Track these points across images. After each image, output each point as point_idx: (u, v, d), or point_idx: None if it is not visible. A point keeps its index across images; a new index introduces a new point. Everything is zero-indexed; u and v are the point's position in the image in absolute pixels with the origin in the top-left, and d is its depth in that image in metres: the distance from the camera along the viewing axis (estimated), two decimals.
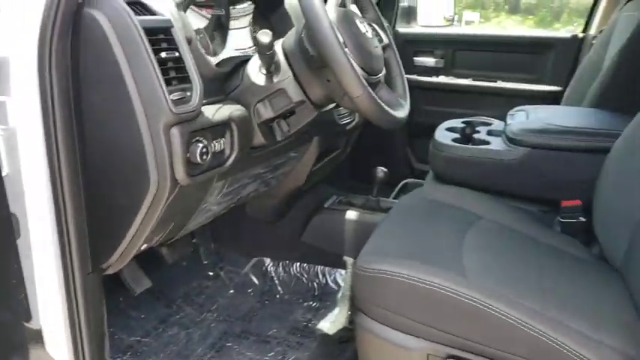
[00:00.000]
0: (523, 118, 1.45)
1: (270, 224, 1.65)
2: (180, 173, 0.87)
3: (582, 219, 1.28)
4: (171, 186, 0.87)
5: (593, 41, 1.99)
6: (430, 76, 2.35)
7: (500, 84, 2.24)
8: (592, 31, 2.08)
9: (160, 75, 0.82)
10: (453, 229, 1.12)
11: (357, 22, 1.03)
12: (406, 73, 2.36)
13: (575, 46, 2.12)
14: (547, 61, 2.18)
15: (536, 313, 0.84)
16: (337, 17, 0.99)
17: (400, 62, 1.23)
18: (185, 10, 0.99)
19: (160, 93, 0.82)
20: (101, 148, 0.87)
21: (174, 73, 0.86)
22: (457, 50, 2.31)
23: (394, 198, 1.94)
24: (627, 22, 1.63)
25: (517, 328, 0.82)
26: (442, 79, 2.33)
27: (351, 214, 1.59)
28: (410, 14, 2.42)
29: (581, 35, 2.12)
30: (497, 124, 1.62)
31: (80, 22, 0.81)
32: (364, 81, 0.92)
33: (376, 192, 1.61)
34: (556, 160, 1.31)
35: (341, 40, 0.91)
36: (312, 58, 0.97)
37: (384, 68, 1.12)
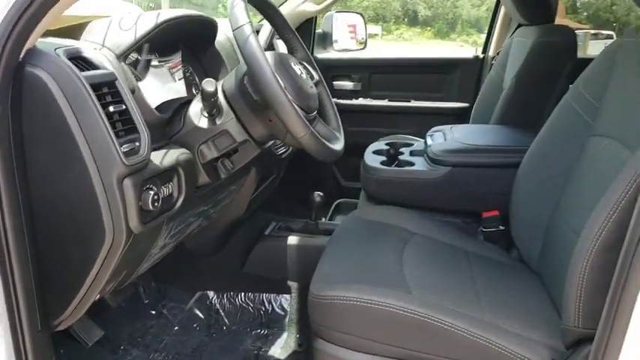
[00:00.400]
0: (441, 139, 1.59)
1: (211, 257, 1.65)
2: (135, 222, 0.87)
3: (501, 227, 1.43)
4: (127, 236, 0.88)
5: (492, 62, 2.22)
6: (350, 99, 2.47)
7: (414, 103, 2.41)
8: (490, 52, 2.32)
9: (109, 129, 0.83)
10: (391, 247, 1.21)
11: (292, 64, 1.10)
12: None
13: (477, 66, 2.35)
14: (454, 80, 2.39)
15: (476, 320, 0.94)
16: (274, 62, 1.05)
17: (330, 96, 1.32)
18: (125, 61, 1.00)
19: (111, 146, 0.83)
20: (51, 204, 0.86)
21: (121, 125, 0.87)
22: (373, 73, 2.46)
23: (330, 218, 2.02)
24: (519, 46, 1.85)
25: (461, 335, 0.92)
26: (361, 101, 2.47)
27: (292, 240, 1.65)
28: (326, 40, 2.54)
29: (481, 56, 2.35)
30: (417, 145, 1.76)
31: (22, 82, 0.80)
32: (306, 121, 0.98)
33: (315, 216, 1.68)
34: (474, 176, 1.46)
35: (282, 85, 0.97)
36: (255, 102, 1.02)
37: (318, 104, 1.20)
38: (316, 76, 1.27)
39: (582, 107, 1.18)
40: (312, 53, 2.43)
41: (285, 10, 2.22)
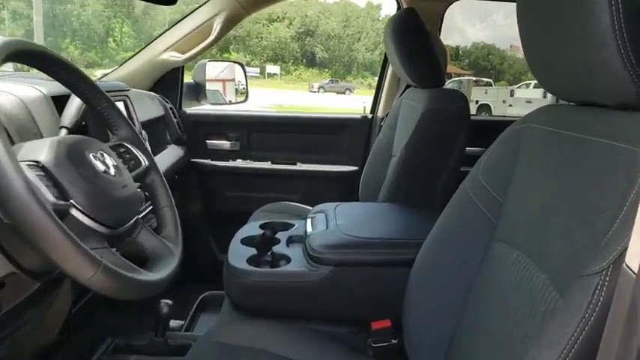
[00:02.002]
0: (322, 226, 1.30)
1: None
2: None
3: (393, 341, 1.16)
4: None
5: (382, 123, 2.02)
6: (227, 160, 2.14)
7: (300, 166, 2.14)
8: (379, 113, 2.13)
9: None
10: None
11: (91, 158, 0.75)
12: (200, 158, 2.16)
13: (365, 127, 2.14)
14: (342, 141, 2.16)
15: None
16: (57, 159, 0.69)
17: (166, 186, 0.97)
18: None
19: None
20: None
21: None
22: (253, 132, 2.16)
23: (193, 313, 1.64)
24: (409, 110, 1.65)
25: None
26: (239, 163, 2.15)
27: None
28: (198, 91, 2.20)
29: (369, 116, 2.15)
30: (298, 227, 1.46)
31: None
32: (96, 256, 0.63)
33: (162, 331, 1.30)
34: (361, 276, 1.18)
35: (42, 198, 0.61)
36: (11, 227, 0.65)
37: (141, 204, 0.85)
38: (145, 161, 0.92)
39: (484, 202, 0.95)
40: (179, 108, 2.08)
41: (143, 58, 1.86)
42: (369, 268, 1.18)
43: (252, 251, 1.29)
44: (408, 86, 1.96)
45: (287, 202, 1.95)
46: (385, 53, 2.08)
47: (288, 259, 1.25)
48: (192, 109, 2.15)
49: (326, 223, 1.31)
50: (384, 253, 1.18)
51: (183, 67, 2.01)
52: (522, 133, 0.93)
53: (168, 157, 1.82)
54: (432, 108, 1.49)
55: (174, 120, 1.97)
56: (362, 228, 1.25)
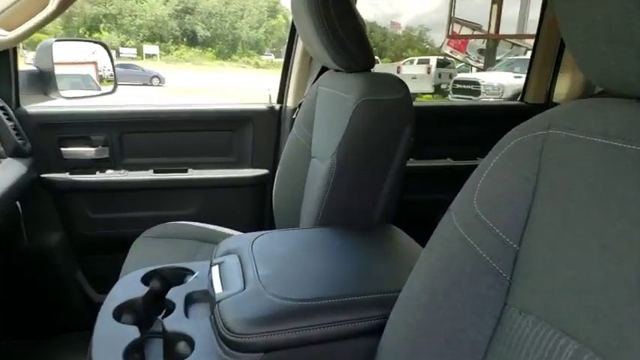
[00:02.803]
0: (236, 279, 0.88)
1: None
2: None
3: None
4: None
5: (294, 117, 1.63)
6: (92, 173, 1.62)
7: (193, 174, 1.68)
8: (289, 103, 1.72)
9: None
10: None
11: None
12: (53, 172, 1.59)
13: (273, 121, 1.73)
14: (246, 139, 1.73)
15: None
16: None
17: None
18: None
19: None
20: None
21: None
22: (126, 133, 1.65)
23: None
24: (332, 102, 1.28)
25: None
26: (110, 175, 1.63)
27: None
28: (45, 82, 1.63)
29: (277, 107, 1.74)
30: (200, 275, 1.02)
31: None
32: None
33: None
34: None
35: None
36: None
37: None
38: None
39: (487, 249, 0.60)
40: (16, 106, 1.51)
41: None
42: (319, 346, 0.79)
43: (132, 332, 0.84)
44: (323, 69, 1.59)
45: (180, 222, 1.50)
46: (292, 29, 1.68)
47: (190, 343, 0.82)
48: (37, 106, 1.58)
49: (242, 276, 0.89)
50: (340, 323, 0.80)
51: (15, 49, 1.44)
52: (546, 143, 0.60)
53: (1, 177, 1.28)
54: (368, 99, 1.12)
55: (9, 124, 1.40)
56: (299, 282, 0.86)
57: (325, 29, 1.14)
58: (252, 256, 0.94)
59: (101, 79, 1.98)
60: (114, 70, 1.85)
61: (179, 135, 1.68)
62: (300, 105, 1.58)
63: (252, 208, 1.75)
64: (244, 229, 1.54)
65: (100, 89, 1.80)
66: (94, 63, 1.90)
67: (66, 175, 1.59)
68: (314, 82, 1.58)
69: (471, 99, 10.54)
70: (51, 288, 1.62)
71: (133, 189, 1.63)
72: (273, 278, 0.85)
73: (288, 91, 1.69)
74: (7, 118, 1.42)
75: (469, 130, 1.93)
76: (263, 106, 1.72)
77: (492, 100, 8.89)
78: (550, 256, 0.51)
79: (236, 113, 1.70)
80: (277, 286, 0.83)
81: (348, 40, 1.17)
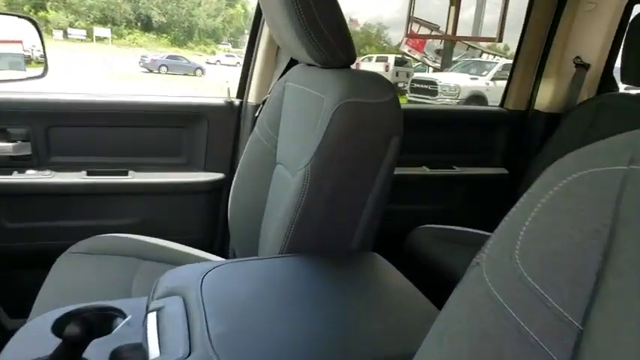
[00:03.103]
0: (179, 337, 0.66)
1: None
2: None
3: None
4: None
5: (256, 115, 1.42)
6: (8, 173, 1.34)
7: (134, 177, 1.43)
8: (251, 99, 1.50)
9: None
10: None
11: None
12: None
13: (232, 118, 1.51)
14: (199, 138, 1.50)
15: None
16: None
17: None
18: None
19: None
20: None
21: None
22: (54, 126, 1.38)
23: None
24: (302, 98, 1.07)
25: None
26: (31, 176, 1.36)
27: None
28: None
29: (237, 102, 1.52)
30: (132, 321, 0.79)
31: None
32: None
33: None
34: None
35: None
36: None
37: None
38: None
39: (542, 333, 0.42)
40: None
41: None
42: None
43: None
44: (293, 62, 1.38)
45: (116, 235, 1.26)
46: (257, 12, 1.45)
47: None
48: None
49: (186, 333, 0.67)
50: None
51: None
52: (628, 183, 0.41)
53: None
54: (351, 101, 0.92)
55: None
56: (264, 346, 0.65)
57: (300, 15, 0.93)
58: (201, 301, 0.72)
59: (29, 60, 1.69)
60: (44, 51, 1.57)
61: (119, 131, 1.43)
62: (264, 102, 1.37)
63: (204, 220, 1.52)
64: (193, 244, 1.32)
65: (20, 73, 1.51)
66: (20, 42, 1.60)
67: None
68: (281, 76, 1.37)
69: (428, 99, 10.55)
70: None
71: (61, 194, 1.37)
72: (229, 339, 0.64)
73: (250, 84, 1.47)
74: None
75: (446, 135, 1.77)
76: (220, 101, 1.49)
77: (453, 103, 8.90)
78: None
79: (187, 108, 1.46)
80: (235, 352, 0.62)
81: (326, 30, 0.96)
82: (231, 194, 1.27)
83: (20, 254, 1.39)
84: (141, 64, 17.96)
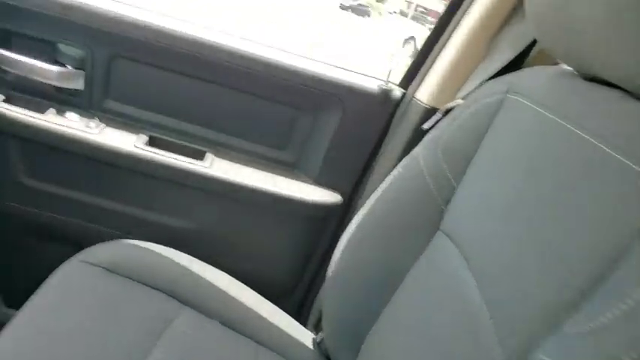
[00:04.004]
0: None
1: None
2: None
3: None
4: None
5: (427, 126, 0.84)
6: (38, 110, 0.91)
7: (212, 167, 0.94)
8: (421, 95, 0.90)
9: None
10: None
11: None
12: None
13: (383, 112, 0.94)
14: (320, 130, 0.96)
15: None
16: None
17: None
18: None
19: None
20: None
21: None
22: (123, 57, 0.91)
23: None
24: (543, 130, 0.48)
25: None
26: (74, 124, 0.91)
27: None
28: None
29: (398, 93, 0.93)
30: None
31: None
32: None
33: None
34: None
35: None
36: None
37: None
38: None
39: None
40: None
41: None
42: None
43: None
44: (512, 64, 0.77)
45: (155, 249, 0.81)
46: None
47: None
48: None
49: None
50: None
51: None
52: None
53: None
54: None
55: None
56: None
57: None
58: None
59: None
60: None
61: (210, 88, 0.92)
62: (447, 111, 0.78)
63: (292, 258, 1.02)
64: (265, 287, 0.85)
65: None
66: None
67: None
68: (490, 78, 0.78)
69: None
70: None
71: (105, 162, 0.91)
72: None
73: (426, 74, 0.88)
74: None
75: None
76: (369, 84, 0.92)
77: None
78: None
79: (314, 81, 0.91)
80: None
81: None
82: (345, 239, 0.73)
83: (34, 224, 0.97)
84: None
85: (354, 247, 0.72)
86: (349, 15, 17.38)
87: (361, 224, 0.72)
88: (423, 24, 19.23)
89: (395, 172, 0.71)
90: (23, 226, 0.98)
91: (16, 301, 1.06)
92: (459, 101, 0.78)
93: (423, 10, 22.52)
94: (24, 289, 0.73)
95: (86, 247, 0.78)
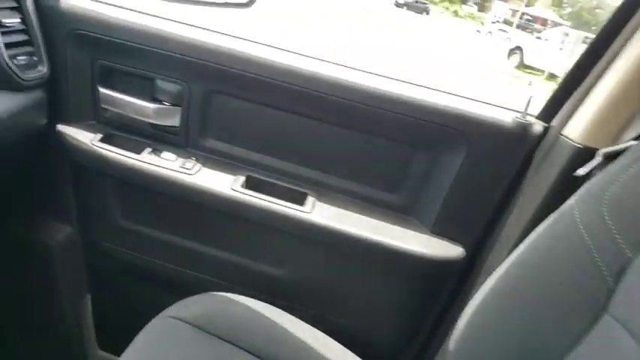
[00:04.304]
0: None
1: None
2: None
3: None
4: None
5: (583, 172, 0.66)
6: (138, 151, 0.86)
7: (314, 213, 0.83)
8: (571, 131, 0.72)
9: None
10: None
11: None
12: (74, 123, 0.85)
13: (519, 150, 0.78)
14: (440, 170, 0.82)
15: None
16: None
17: None
18: None
19: None
20: None
21: None
22: (219, 93, 0.84)
23: None
24: None
25: None
26: (170, 164, 0.85)
27: None
28: None
29: (539, 127, 0.76)
30: None
31: None
32: None
33: None
34: None
35: None
36: None
37: None
38: None
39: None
40: None
41: None
42: None
43: None
44: None
45: (250, 305, 0.72)
46: None
47: None
48: None
49: None
50: None
51: None
52: None
53: None
54: None
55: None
56: None
57: None
58: None
59: None
60: None
61: (313, 124, 0.82)
62: (610, 156, 0.60)
63: (405, 320, 0.88)
64: (377, 354, 0.73)
65: None
66: None
67: (95, 142, 0.84)
68: None
69: None
70: (31, 311, 0.97)
71: (201, 204, 0.84)
72: None
73: (576, 106, 0.70)
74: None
75: None
76: (499, 115, 0.77)
77: None
78: None
79: (436, 114, 0.77)
80: None
81: None
82: (473, 305, 0.58)
83: (129, 266, 0.93)
84: None
85: (487, 320, 0.56)
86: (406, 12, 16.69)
87: (497, 290, 0.56)
88: (531, 32, 18.11)
89: (540, 229, 0.56)
90: (120, 268, 0.95)
91: (110, 345, 1.05)
92: (632, 143, 0.59)
93: (529, 17, 21.40)
94: (117, 332, 0.69)
95: (180, 290, 0.73)
